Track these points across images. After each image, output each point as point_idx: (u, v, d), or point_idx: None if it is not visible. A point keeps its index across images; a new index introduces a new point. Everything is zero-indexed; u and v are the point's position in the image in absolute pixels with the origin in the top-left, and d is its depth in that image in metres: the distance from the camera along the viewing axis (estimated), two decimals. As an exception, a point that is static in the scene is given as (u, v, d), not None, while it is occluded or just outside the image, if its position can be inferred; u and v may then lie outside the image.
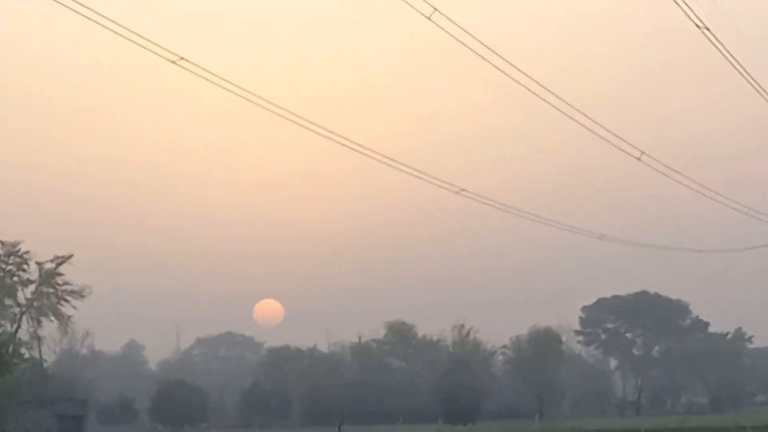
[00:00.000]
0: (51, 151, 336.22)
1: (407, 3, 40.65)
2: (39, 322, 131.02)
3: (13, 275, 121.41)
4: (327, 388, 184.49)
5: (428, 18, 46.62)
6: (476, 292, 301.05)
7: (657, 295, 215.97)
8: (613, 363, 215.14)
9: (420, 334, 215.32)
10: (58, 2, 34.52)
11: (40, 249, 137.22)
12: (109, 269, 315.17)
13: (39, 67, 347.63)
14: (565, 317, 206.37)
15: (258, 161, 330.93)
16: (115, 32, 37.73)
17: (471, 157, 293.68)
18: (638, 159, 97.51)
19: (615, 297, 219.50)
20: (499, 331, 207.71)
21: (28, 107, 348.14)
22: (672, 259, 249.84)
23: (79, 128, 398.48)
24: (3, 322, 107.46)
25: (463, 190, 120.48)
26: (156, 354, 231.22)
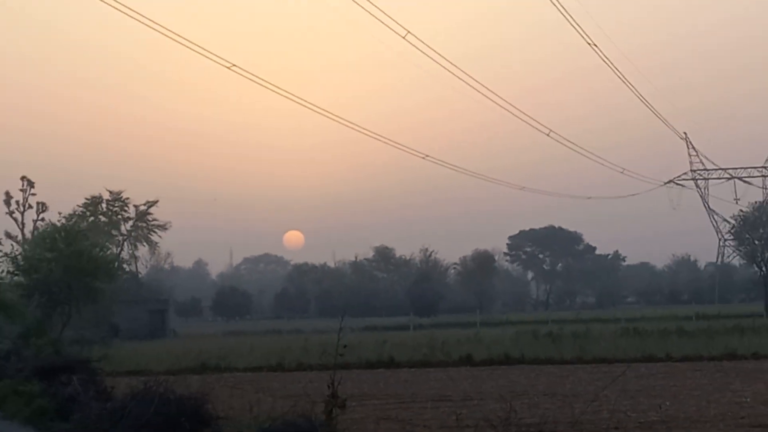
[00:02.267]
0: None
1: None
2: (135, 246, 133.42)
3: (117, 214, 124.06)
4: (333, 292, 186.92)
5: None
6: (438, 226, 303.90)
7: (561, 228, 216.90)
8: (530, 275, 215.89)
9: (397, 255, 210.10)
10: (132, 17, 36.99)
11: (135, 194, 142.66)
12: (184, 207, 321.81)
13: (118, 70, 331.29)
14: (497, 244, 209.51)
15: (274, 133, 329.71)
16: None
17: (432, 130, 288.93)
18: (547, 135, 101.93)
19: (531, 230, 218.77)
20: (452, 252, 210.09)
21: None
22: (571, 204, 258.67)
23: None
24: (111, 246, 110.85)
25: (427, 156, 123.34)
26: (216, 268, 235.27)
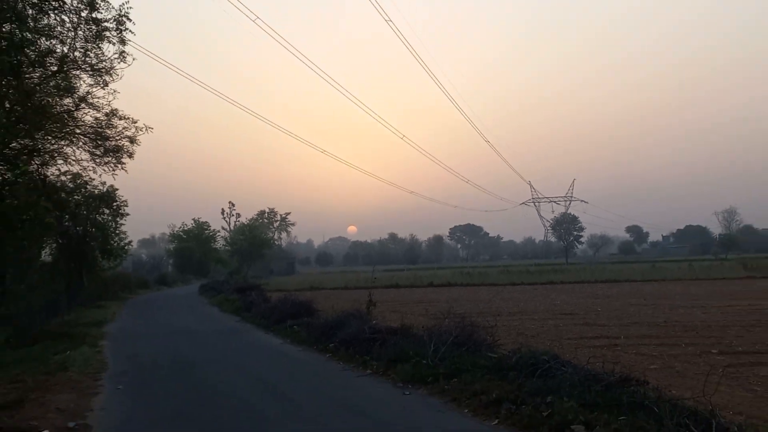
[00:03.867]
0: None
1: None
2: (280, 233, 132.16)
3: (272, 218, 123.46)
4: (370, 254, 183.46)
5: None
6: (417, 223, 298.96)
7: (473, 224, 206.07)
8: (459, 246, 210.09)
9: (398, 237, 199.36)
10: (259, 118, 37.04)
11: (281, 208, 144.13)
12: (304, 215, 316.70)
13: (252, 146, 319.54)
14: (444, 231, 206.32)
15: (343, 180, 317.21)
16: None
17: (416, 178, 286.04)
18: (467, 182, 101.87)
19: (459, 225, 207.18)
20: (424, 235, 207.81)
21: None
22: (478, 213, 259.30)
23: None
24: (269, 233, 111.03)
25: (413, 191, 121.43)
26: (316, 243, 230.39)
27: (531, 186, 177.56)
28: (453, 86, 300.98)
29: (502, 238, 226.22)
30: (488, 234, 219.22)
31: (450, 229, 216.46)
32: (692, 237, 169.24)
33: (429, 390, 10.14)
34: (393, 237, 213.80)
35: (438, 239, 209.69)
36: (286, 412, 9.20)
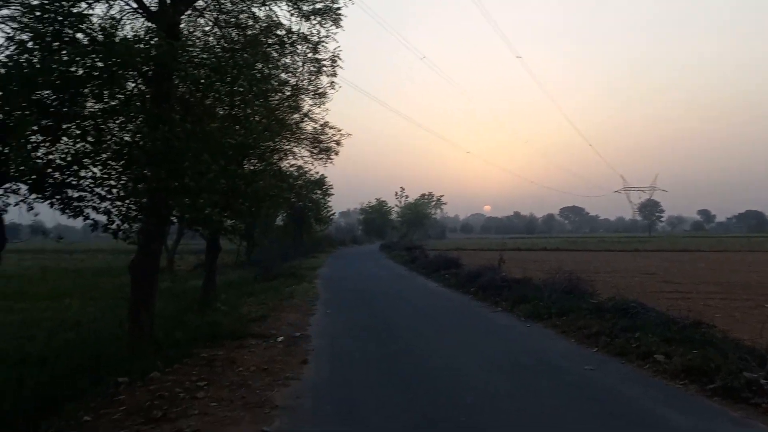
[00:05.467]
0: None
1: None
2: (436, 210, 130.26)
3: (431, 198, 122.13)
4: (500, 226, 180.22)
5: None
6: (538, 209, 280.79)
7: (578, 206, 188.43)
8: (566, 222, 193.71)
9: (521, 214, 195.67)
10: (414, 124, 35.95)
11: (437, 191, 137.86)
12: (452, 197, 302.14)
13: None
14: (554, 211, 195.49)
15: (477, 173, 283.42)
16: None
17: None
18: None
19: (566, 206, 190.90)
20: (540, 213, 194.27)
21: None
22: (580, 198, 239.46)
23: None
24: (428, 210, 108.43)
25: (533, 181, 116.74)
26: (461, 217, 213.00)
27: (623, 177, 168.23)
28: (574, 114, 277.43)
29: (599, 217, 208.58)
30: (589, 213, 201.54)
31: (560, 209, 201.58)
32: (751, 219, 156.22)
33: (544, 324, 10.05)
34: (517, 214, 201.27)
35: (550, 216, 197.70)
36: (437, 332, 9.40)
